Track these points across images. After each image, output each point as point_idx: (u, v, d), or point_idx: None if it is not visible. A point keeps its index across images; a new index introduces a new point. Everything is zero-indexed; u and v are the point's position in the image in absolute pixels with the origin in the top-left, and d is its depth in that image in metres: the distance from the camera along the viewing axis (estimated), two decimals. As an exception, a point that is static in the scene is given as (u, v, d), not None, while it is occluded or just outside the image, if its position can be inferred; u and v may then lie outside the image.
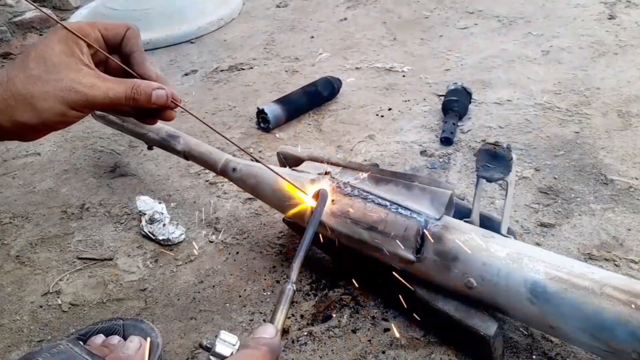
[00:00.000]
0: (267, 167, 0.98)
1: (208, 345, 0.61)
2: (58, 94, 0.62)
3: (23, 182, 1.63)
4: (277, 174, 1.00)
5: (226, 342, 0.60)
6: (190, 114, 0.78)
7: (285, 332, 1.05)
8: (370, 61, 2.20)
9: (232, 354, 0.60)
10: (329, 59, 2.27)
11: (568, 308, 0.82)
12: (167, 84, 0.70)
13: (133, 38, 0.71)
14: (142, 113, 0.73)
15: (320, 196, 0.92)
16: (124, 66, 0.70)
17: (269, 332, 0.61)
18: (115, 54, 0.71)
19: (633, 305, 0.78)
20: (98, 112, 1.50)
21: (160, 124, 1.37)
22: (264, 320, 1.07)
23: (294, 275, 0.71)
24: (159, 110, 0.72)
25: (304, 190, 1.04)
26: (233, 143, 0.85)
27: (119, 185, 1.56)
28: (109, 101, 0.65)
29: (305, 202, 1.02)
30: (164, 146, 1.36)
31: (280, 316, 0.66)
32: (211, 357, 0.60)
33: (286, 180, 0.98)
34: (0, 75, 0.61)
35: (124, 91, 0.66)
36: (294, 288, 0.69)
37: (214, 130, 0.80)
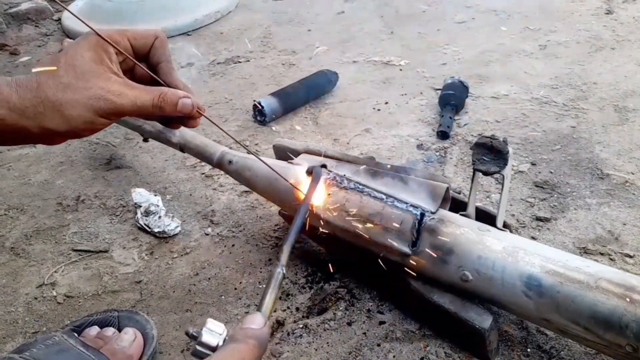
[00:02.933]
0: (261, 159, 0.98)
1: (194, 334, 0.60)
2: (87, 102, 0.62)
3: (18, 174, 1.62)
4: (270, 167, 0.99)
5: (213, 332, 0.60)
6: (213, 123, 0.78)
7: (280, 324, 1.05)
8: (367, 55, 2.19)
9: (218, 343, 0.59)
10: (326, 52, 2.27)
11: (563, 301, 0.82)
12: (193, 94, 0.71)
13: (161, 47, 0.71)
14: (166, 119, 0.73)
15: (313, 174, 0.91)
16: (151, 74, 0.70)
17: (257, 322, 0.60)
18: (143, 62, 0.71)
19: (628, 299, 0.78)
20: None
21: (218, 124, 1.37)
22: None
23: (283, 258, 0.71)
24: (183, 118, 0.72)
25: (299, 185, 1.04)
26: (235, 140, 0.85)
27: (114, 177, 1.56)
28: (136, 109, 0.66)
29: (300, 195, 1.02)
30: (159, 138, 1.36)
31: (268, 301, 0.66)
32: (197, 346, 0.59)
33: (280, 175, 0.98)
34: (29, 81, 0.61)
35: (151, 99, 0.66)
36: (284, 271, 0.69)
37: (223, 130, 0.79)
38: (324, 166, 1.10)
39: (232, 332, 0.61)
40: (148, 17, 2.62)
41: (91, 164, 1.63)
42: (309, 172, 0.99)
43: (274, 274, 0.68)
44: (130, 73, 0.71)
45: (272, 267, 1.17)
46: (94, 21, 2.64)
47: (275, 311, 1.06)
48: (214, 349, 0.60)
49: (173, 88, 0.70)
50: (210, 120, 0.77)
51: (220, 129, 0.83)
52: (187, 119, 0.73)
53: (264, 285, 1.13)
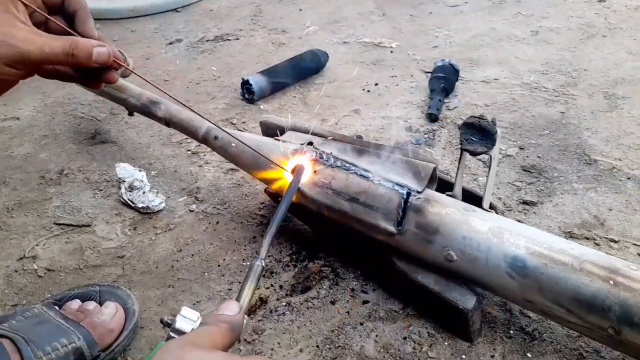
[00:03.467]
0: (241, 142, 0.97)
1: (169, 321, 0.59)
2: None
3: (1, 146, 1.59)
4: (250, 147, 0.98)
5: (187, 318, 0.59)
6: (136, 74, 0.76)
7: (263, 302, 1.04)
8: (358, 36, 2.18)
9: (192, 330, 0.58)
10: (317, 32, 2.25)
11: (547, 283, 0.82)
12: (110, 44, 0.68)
13: None
14: (84, 75, 0.71)
15: (296, 172, 0.90)
16: (62, 25, 0.67)
17: (231, 308, 0.59)
18: (57, 14, 0.69)
19: (612, 282, 0.78)
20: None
21: (141, 90, 1.35)
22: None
23: (263, 251, 0.70)
24: (101, 72, 0.70)
25: (284, 162, 1.03)
26: (201, 116, 0.84)
27: (99, 152, 1.53)
28: (45, 56, 0.62)
29: (283, 173, 1.01)
30: (145, 112, 1.34)
31: (246, 292, 0.65)
32: (171, 332, 0.58)
33: (260, 154, 0.97)
34: None
35: (62, 46, 0.63)
36: (263, 264, 0.68)
37: (161, 89, 0.78)
38: (310, 143, 1.09)
39: (205, 318, 0.59)
40: (137, -8, 2.58)
41: (75, 138, 1.61)
42: (294, 170, 0.97)
43: (253, 266, 0.67)
44: (44, 27, 0.68)
45: (256, 245, 1.17)
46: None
47: (256, 292, 1.05)
48: None
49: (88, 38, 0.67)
50: (135, 73, 0.74)
51: (154, 85, 0.80)
52: (106, 72, 0.70)
53: (248, 263, 1.13)
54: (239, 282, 1.08)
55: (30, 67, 0.64)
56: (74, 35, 0.68)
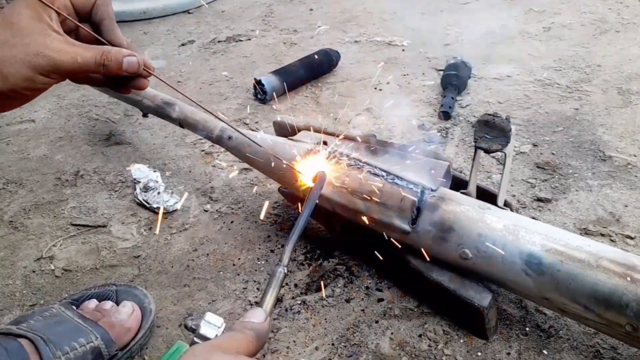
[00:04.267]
0: (251, 140, 0.97)
1: (193, 327, 0.59)
2: (25, 58, 0.60)
3: (17, 148, 1.61)
4: (267, 150, 0.98)
5: (211, 324, 0.59)
6: (166, 83, 0.76)
7: (279, 300, 1.04)
8: (369, 35, 2.18)
9: (216, 336, 0.59)
10: (328, 31, 2.25)
11: (563, 280, 0.82)
12: (139, 52, 0.69)
13: (103, 6, 0.69)
14: (114, 82, 0.72)
15: (317, 179, 0.90)
16: (93, 34, 0.68)
17: (257, 316, 0.59)
18: (86, 22, 0.70)
19: (629, 278, 0.78)
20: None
21: (155, 91, 1.35)
22: (258, 289, 1.07)
23: (286, 258, 0.70)
24: (131, 79, 0.71)
25: (298, 162, 1.03)
26: (217, 116, 0.84)
27: (113, 153, 1.55)
28: (77, 66, 0.63)
29: (298, 175, 1.01)
30: (159, 113, 1.35)
31: (269, 299, 0.65)
32: (195, 338, 0.59)
33: (276, 157, 0.97)
34: None
35: (93, 57, 0.64)
36: (285, 271, 0.68)
37: (179, 91, 0.78)
38: (324, 143, 1.09)
39: (231, 324, 0.60)
40: (149, -7, 2.60)
41: (90, 139, 1.62)
42: (315, 177, 0.97)
43: (276, 272, 0.67)
44: (74, 34, 0.68)
45: (270, 244, 1.17)
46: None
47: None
48: None
49: (117, 46, 0.68)
50: (162, 81, 0.75)
51: (175, 89, 0.81)
52: (135, 79, 0.71)
53: (263, 262, 1.13)
54: (254, 281, 1.09)
55: (63, 76, 0.65)
56: (104, 43, 0.68)
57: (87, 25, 0.69)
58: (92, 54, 0.64)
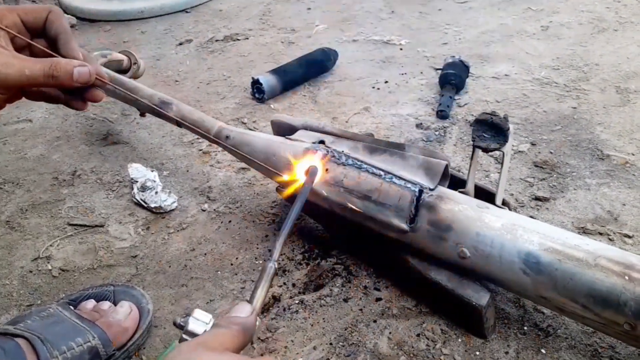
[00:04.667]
0: (247, 156, 0.96)
1: (181, 323, 0.59)
2: None
3: (14, 148, 1.61)
4: (249, 157, 0.98)
5: (199, 320, 0.59)
6: (123, 91, 0.76)
7: (276, 300, 1.04)
8: (367, 34, 2.17)
9: (205, 332, 0.58)
10: (326, 30, 2.25)
11: (561, 279, 0.82)
12: (93, 63, 0.68)
13: (56, 20, 0.69)
14: (69, 94, 0.71)
15: (309, 173, 0.90)
16: (42, 48, 0.68)
17: (244, 310, 0.59)
18: (41, 37, 0.69)
19: (627, 277, 0.78)
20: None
21: (152, 91, 1.35)
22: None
23: (276, 253, 0.69)
24: (85, 90, 0.70)
25: (296, 160, 1.03)
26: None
27: (111, 152, 1.54)
28: (25, 79, 0.63)
29: (295, 175, 1.01)
30: (156, 113, 1.34)
31: (259, 294, 0.64)
32: (183, 334, 0.59)
33: (266, 167, 0.97)
34: None
35: (42, 68, 0.64)
36: (275, 266, 0.67)
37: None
38: (321, 142, 1.09)
39: (218, 319, 0.59)
40: (146, -7, 2.59)
41: (88, 139, 1.62)
42: (307, 171, 0.96)
43: (266, 267, 0.67)
44: (28, 51, 0.68)
45: (268, 244, 1.17)
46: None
47: (269, 291, 1.05)
48: None
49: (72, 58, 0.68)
50: (117, 88, 0.75)
51: (138, 98, 0.81)
52: (89, 90, 0.71)
53: (261, 261, 1.13)
54: (252, 281, 1.09)
55: (12, 90, 0.64)
56: (55, 56, 0.68)
57: (41, 41, 0.69)
58: (41, 65, 0.64)
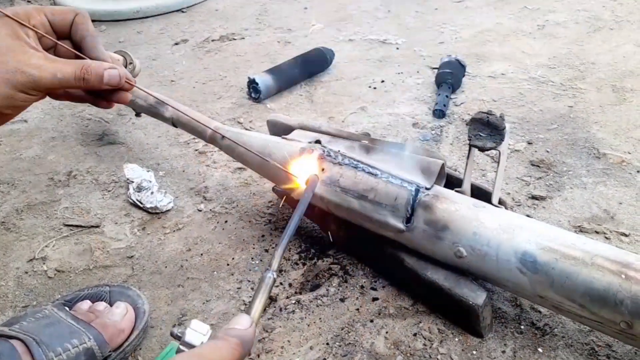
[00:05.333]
0: (247, 149, 0.96)
1: (178, 334, 0.59)
2: (4, 76, 0.60)
3: (9, 148, 1.60)
4: (251, 151, 0.98)
5: (197, 332, 0.58)
6: (149, 93, 0.76)
7: (273, 300, 1.04)
8: (363, 33, 2.17)
9: (202, 343, 0.58)
10: (322, 30, 2.25)
11: (558, 278, 0.82)
12: (121, 66, 0.68)
13: (82, 23, 0.69)
14: (96, 96, 0.71)
15: (310, 183, 0.89)
16: (71, 50, 0.68)
17: (242, 323, 0.59)
18: (66, 39, 0.69)
19: (623, 276, 0.77)
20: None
21: (148, 91, 1.35)
22: (252, 289, 1.06)
23: (275, 263, 0.69)
24: (113, 92, 0.70)
25: (291, 163, 1.02)
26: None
27: (106, 153, 1.54)
28: (57, 82, 0.63)
29: (293, 178, 1.00)
30: (152, 113, 1.34)
31: (257, 305, 0.64)
32: (181, 346, 0.58)
33: (265, 159, 0.97)
34: None
35: (73, 71, 0.64)
36: (274, 276, 0.67)
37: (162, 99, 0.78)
38: (317, 141, 1.08)
39: (217, 331, 0.59)
40: (142, -7, 2.59)
41: (83, 139, 1.61)
42: (306, 181, 0.95)
43: (265, 278, 0.66)
44: (53, 51, 0.68)
45: (264, 244, 1.16)
46: None
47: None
48: None
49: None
50: (146, 91, 0.75)
51: (158, 99, 0.81)
52: (117, 93, 0.71)
53: (257, 261, 1.13)
54: (248, 281, 1.08)
55: (44, 92, 0.64)
56: (84, 58, 0.68)
57: (67, 42, 0.69)
58: (72, 68, 0.64)
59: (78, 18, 0.69)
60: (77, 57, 0.68)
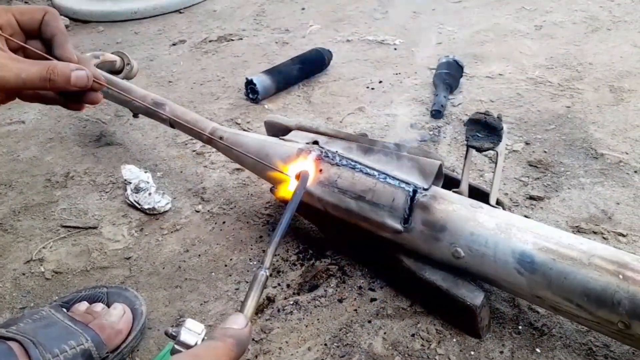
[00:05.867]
0: (241, 152, 0.96)
1: (173, 333, 0.59)
2: None
3: (7, 150, 1.60)
4: (243, 153, 0.98)
5: (191, 331, 0.58)
6: (119, 92, 0.75)
7: (270, 301, 1.04)
8: (361, 34, 2.18)
9: (197, 342, 0.58)
10: (320, 31, 2.25)
11: (556, 278, 0.82)
12: (90, 66, 0.68)
13: (52, 21, 0.68)
14: (66, 98, 0.71)
15: (300, 179, 0.89)
16: (36, 51, 0.67)
17: (238, 322, 0.58)
18: (36, 39, 0.69)
19: (621, 276, 0.77)
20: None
21: (145, 92, 1.34)
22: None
23: (267, 260, 0.69)
24: (83, 94, 0.70)
25: (288, 164, 1.02)
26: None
27: (104, 154, 1.54)
28: (22, 83, 0.62)
29: (287, 177, 1.00)
30: (149, 114, 1.34)
31: (251, 303, 0.64)
32: (176, 345, 0.58)
33: (260, 161, 0.97)
34: None
35: (39, 72, 0.63)
36: (267, 274, 0.67)
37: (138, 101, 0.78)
38: (315, 142, 1.08)
39: (212, 330, 0.59)
40: (139, -6, 2.58)
41: (81, 140, 1.61)
42: (298, 176, 0.95)
43: (257, 276, 0.66)
44: (22, 52, 0.67)
45: (262, 245, 1.16)
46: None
47: (263, 292, 1.05)
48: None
49: (67, 61, 0.67)
50: (115, 90, 0.74)
51: (132, 99, 0.81)
52: (86, 94, 0.70)
53: (255, 262, 1.13)
54: (246, 282, 1.08)
55: (8, 93, 0.64)
56: (51, 59, 0.67)
57: (36, 42, 0.68)
58: (37, 69, 0.63)
59: (47, 16, 0.68)
60: (45, 59, 0.67)
